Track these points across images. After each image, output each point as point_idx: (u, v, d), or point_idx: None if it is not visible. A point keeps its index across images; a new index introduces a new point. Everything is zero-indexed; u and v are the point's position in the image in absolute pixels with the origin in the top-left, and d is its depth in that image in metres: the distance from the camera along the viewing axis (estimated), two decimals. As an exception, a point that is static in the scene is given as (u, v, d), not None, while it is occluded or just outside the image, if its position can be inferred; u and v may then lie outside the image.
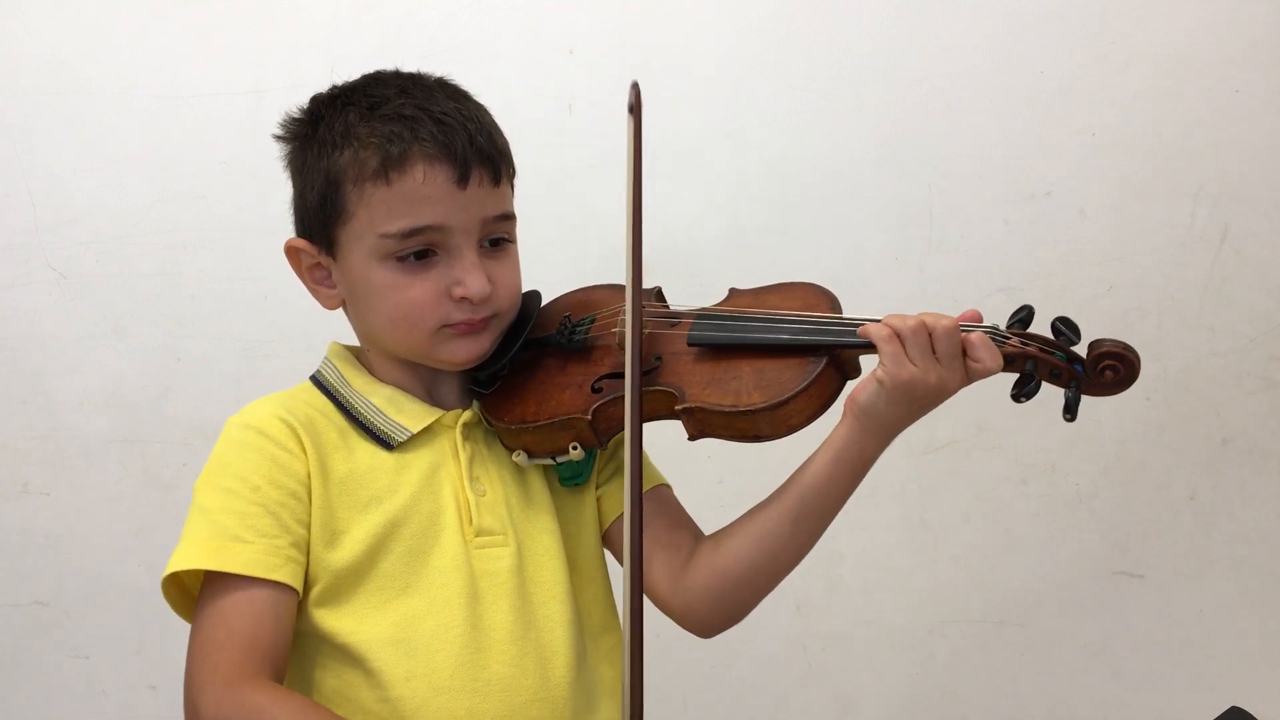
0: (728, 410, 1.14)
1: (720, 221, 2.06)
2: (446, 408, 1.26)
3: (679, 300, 1.30)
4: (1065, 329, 1.13)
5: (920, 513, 2.13)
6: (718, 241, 2.06)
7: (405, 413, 1.23)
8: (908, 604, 2.15)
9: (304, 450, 1.18)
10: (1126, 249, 2.08)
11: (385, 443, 1.21)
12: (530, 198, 2.02)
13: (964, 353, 1.12)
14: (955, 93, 2.05)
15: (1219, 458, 2.12)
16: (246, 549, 1.11)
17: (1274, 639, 2.16)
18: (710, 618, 1.26)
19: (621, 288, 1.31)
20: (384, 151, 1.16)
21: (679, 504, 1.33)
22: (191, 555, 1.12)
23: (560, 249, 2.01)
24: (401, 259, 1.18)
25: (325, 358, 1.29)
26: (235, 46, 1.97)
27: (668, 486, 1.33)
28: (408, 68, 2.02)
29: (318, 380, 1.27)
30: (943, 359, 1.11)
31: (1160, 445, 2.12)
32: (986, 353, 1.11)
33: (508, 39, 2.01)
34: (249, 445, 1.17)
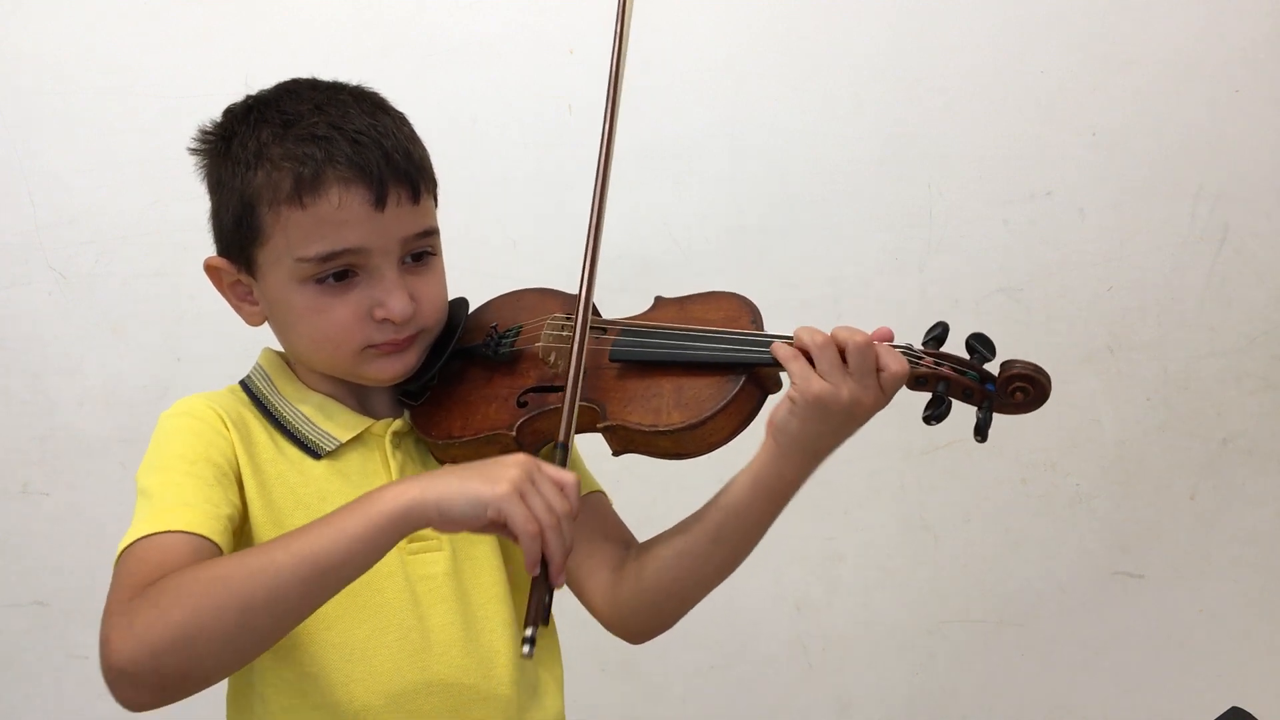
0: (648, 429, 1.14)
1: (720, 222, 2.06)
2: (377, 416, 1.25)
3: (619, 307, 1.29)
4: (980, 346, 1.11)
5: (920, 513, 2.13)
6: (718, 241, 2.05)
7: (335, 421, 1.23)
8: (908, 604, 2.15)
9: (232, 437, 1.19)
10: (1126, 249, 2.08)
11: (313, 452, 1.21)
12: (530, 197, 2.03)
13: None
14: (955, 93, 2.05)
15: (1219, 458, 2.12)
16: (187, 511, 1.10)
17: (1274, 639, 2.16)
18: (637, 626, 1.25)
19: (550, 292, 1.31)
20: (297, 174, 1.13)
21: (614, 513, 1.32)
22: (135, 529, 1.10)
23: (559, 249, 2.00)
24: (321, 281, 1.16)
25: (256, 363, 1.28)
26: (235, 46, 1.97)
27: (603, 494, 1.32)
28: (408, 68, 2.03)
29: (246, 387, 1.26)
30: (855, 373, 1.07)
31: (1160, 445, 2.12)
32: (891, 358, 1.08)
33: (508, 39, 2.01)
34: (180, 429, 1.18)
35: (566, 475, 1.05)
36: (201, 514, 1.10)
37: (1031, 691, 2.17)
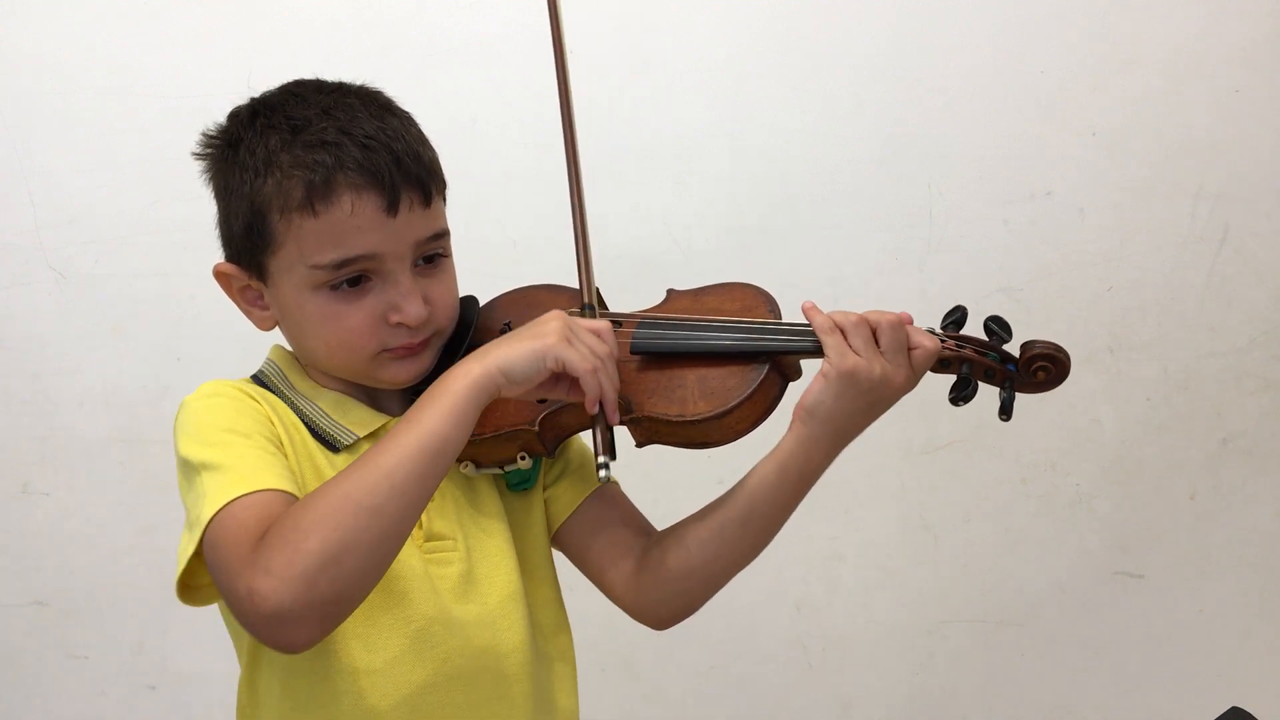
0: (675, 420, 1.15)
1: (720, 221, 2.06)
2: (391, 415, 1.24)
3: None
4: (998, 328, 1.16)
5: (920, 513, 2.13)
6: (718, 241, 2.06)
7: (351, 417, 1.22)
8: (908, 604, 2.15)
9: (267, 411, 1.18)
10: (1126, 249, 2.08)
11: (332, 445, 1.20)
12: (530, 197, 2.03)
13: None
14: (955, 93, 2.05)
15: (1219, 458, 2.12)
16: (264, 472, 1.08)
17: (1274, 639, 2.16)
18: (663, 612, 1.27)
19: (558, 288, 1.31)
20: (308, 181, 1.13)
21: (628, 500, 1.33)
22: (219, 497, 1.06)
23: (560, 249, 2.00)
24: (334, 287, 1.16)
25: (268, 359, 1.27)
26: (235, 46, 1.97)
27: (616, 484, 1.33)
28: (408, 68, 2.03)
29: (261, 380, 1.25)
30: (887, 351, 1.12)
31: (1160, 445, 2.12)
32: (923, 336, 1.15)
33: (508, 39, 2.01)
34: (218, 407, 1.16)
35: (600, 323, 1.15)
36: (277, 474, 1.09)
37: (1031, 691, 2.17)
